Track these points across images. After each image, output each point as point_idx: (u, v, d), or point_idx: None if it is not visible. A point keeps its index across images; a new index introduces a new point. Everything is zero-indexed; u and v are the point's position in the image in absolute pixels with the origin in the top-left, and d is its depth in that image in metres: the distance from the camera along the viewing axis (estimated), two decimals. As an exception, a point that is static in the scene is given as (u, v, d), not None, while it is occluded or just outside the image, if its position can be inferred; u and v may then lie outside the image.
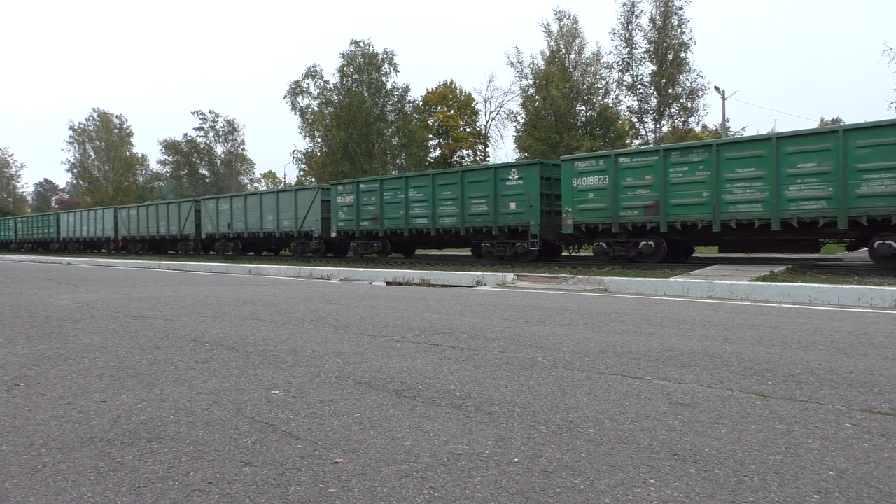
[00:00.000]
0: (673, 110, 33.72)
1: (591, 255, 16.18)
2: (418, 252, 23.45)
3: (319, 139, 44.57)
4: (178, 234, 28.81)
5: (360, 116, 41.69)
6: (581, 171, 14.58)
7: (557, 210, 15.69)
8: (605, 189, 14.16)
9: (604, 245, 14.47)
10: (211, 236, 26.77)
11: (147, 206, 31.67)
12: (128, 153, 66.44)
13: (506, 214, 16.25)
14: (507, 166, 16.72)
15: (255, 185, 68.45)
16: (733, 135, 35.48)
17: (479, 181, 16.95)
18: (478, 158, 50.53)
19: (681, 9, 32.77)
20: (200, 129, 60.38)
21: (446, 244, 20.12)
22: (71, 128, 64.58)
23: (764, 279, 8.87)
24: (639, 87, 34.14)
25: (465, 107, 51.03)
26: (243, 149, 62.84)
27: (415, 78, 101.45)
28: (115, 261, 22.67)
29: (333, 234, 20.97)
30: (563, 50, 36.07)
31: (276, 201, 23.53)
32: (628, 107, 35.54)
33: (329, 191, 21.70)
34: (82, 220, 36.43)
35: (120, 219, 33.26)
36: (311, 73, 44.50)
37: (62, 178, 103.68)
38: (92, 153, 64.61)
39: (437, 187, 17.82)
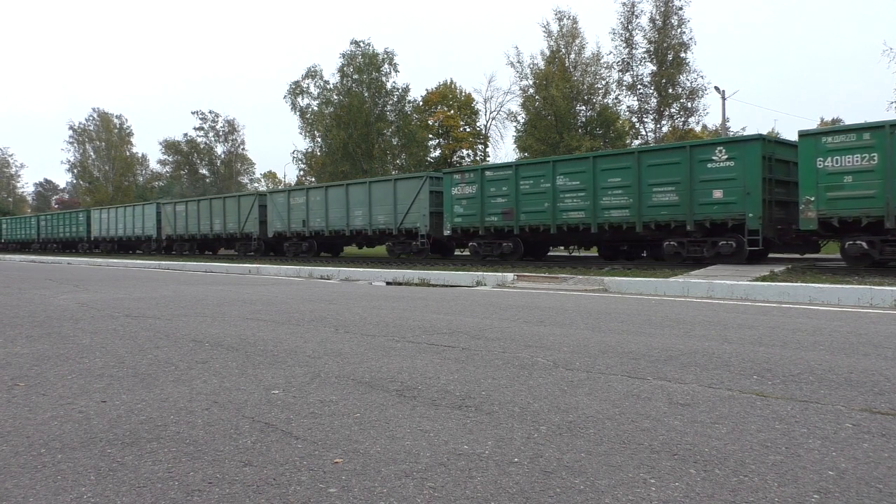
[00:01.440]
0: (673, 110, 33.71)
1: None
2: (549, 253, 19.50)
3: (319, 139, 44.55)
4: (238, 233, 25.14)
5: (360, 116, 41.67)
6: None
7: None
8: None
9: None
10: (281, 235, 23.20)
11: (198, 201, 28.01)
12: (128, 153, 66.40)
13: (708, 205, 12.88)
14: (709, 144, 13.43)
15: (256, 185, 68.37)
16: (733, 135, 35.47)
17: (664, 164, 13.47)
18: (478, 158, 50.52)
19: (681, 9, 32.77)
20: (200, 129, 60.39)
21: (608, 243, 16.18)
22: (71, 128, 64.59)
23: (764, 279, 8.87)
24: (639, 87, 34.14)
25: (465, 107, 51.01)
26: (243, 149, 62.84)
27: (415, 78, 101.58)
28: (115, 261, 22.67)
29: (447, 233, 17.50)
30: (563, 50, 36.06)
31: (369, 193, 19.85)
32: (628, 107, 35.56)
33: (439, 180, 18.35)
34: (118, 217, 32.93)
35: (164, 215, 29.63)
36: (311, 73, 44.46)
37: (62, 178, 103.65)
38: (92, 153, 64.59)
39: (599, 173, 14.33)
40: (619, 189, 14.08)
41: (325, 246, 23.38)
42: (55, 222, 39.23)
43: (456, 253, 21.26)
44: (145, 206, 31.41)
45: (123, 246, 33.85)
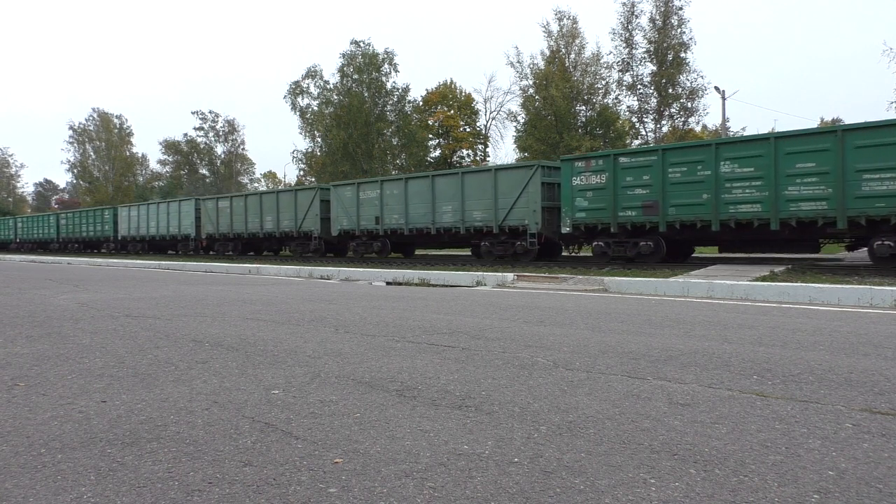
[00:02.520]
0: (673, 110, 33.76)
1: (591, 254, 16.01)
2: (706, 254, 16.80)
3: (319, 139, 44.60)
4: (294, 231, 22.64)
5: (360, 116, 41.72)
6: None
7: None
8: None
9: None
10: (348, 233, 20.82)
11: (245, 197, 25.58)
12: (128, 153, 66.50)
13: None
14: None
15: (255, 185, 68.42)
16: (733, 135, 35.49)
17: (884, 144, 10.89)
18: (478, 159, 50.56)
19: (681, 9, 32.84)
20: (200, 129, 60.47)
21: (786, 241, 12.97)
22: (71, 128, 64.68)
23: (764, 279, 8.87)
24: (639, 87, 34.16)
25: (465, 107, 51.04)
26: (243, 149, 62.93)
27: (415, 78, 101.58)
28: (115, 261, 22.66)
29: (566, 230, 14.93)
30: (563, 50, 36.11)
31: (461, 186, 17.35)
32: (628, 107, 35.62)
33: (553, 171, 16.13)
34: (150, 214, 30.31)
35: (205, 212, 27.07)
36: (311, 73, 44.53)
37: (62, 178, 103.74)
38: (92, 153, 64.66)
39: (782, 158, 11.81)
40: (813, 177, 11.56)
41: (399, 246, 20.94)
42: (76, 221, 36.38)
43: (568, 253, 18.89)
44: (182, 203, 28.92)
45: (155, 246, 31.34)
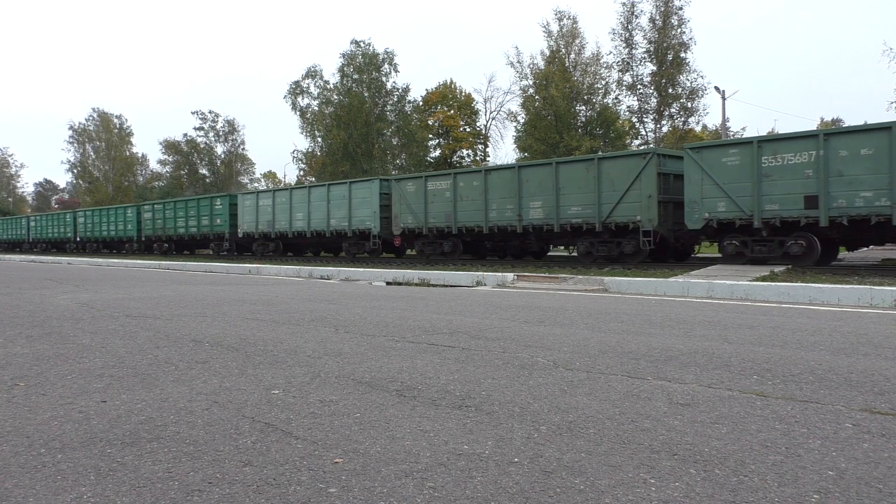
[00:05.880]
0: (673, 110, 33.72)
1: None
2: None
3: (320, 139, 44.58)
4: (347, 230, 20.48)
5: (360, 116, 41.70)
6: None
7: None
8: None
9: None
10: (411, 231, 18.72)
11: (290, 191, 22.94)
12: (128, 153, 66.42)
13: None
14: None
15: (255, 184, 68.35)
16: (733, 135, 35.49)
17: None
18: (477, 159, 50.56)
19: (681, 9, 32.78)
20: (200, 129, 60.37)
21: None
22: (71, 128, 64.62)
23: (764, 279, 8.87)
24: (639, 87, 34.15)
25: (465, 107, 51.02)
26: (243, 149, 62.79)
27: (415, 78, 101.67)
28: (115, 261, 22.65)
29: (693, 227, 12.82)
30: (563, 50, 36.08)
31: (555, 176, 15.06)
32: (628, 107, 35.58)
33: (670, 160, 14.07)
34: (176, 212, 27.95)
35: (242, 210, 24.54)
36: (312, 73, 44.50)
37: (62, 178, 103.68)
38: (92, 153, 64.61)
39: None
40: None
41: (473, 246, 18.51)
42: (96, 219, 34.25)
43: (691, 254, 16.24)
44: (215, 199, 26.52)
45: (184, 246, 29.50)
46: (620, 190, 13.98)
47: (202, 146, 60.82)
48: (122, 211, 32.77)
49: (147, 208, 30.83)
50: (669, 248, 14.98)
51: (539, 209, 15.56)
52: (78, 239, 35.85)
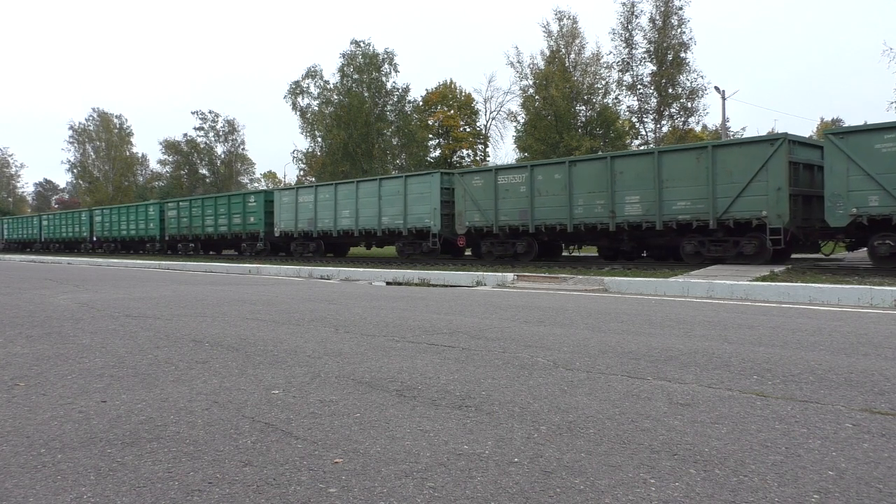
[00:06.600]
0: (673, 110, 33.71)
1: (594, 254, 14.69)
2: None
3: (320, 139, 44.58)
4: (402, 228, 18.65)
5: (360, 116, 41.68)
6: None
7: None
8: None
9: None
10: (478, 230, 16.91)
11: (336, 185, 21.14)
12: (128, 153, 66.40)
13: None
14: None
15: (255, 184, 68.33)
16: (733, 135, 35.48)
17: None
18: (478, 159, 50.57)
19: (681, 9, 32.75)
20: (200, 129, 60.34)
21: None
22: (71, 128, 64.60)
23: (764, 279, 8.87)
24: (639, 87, 34.14)
25: (465, 107, 51.01)
26: (243, 149, 62.75)
27: (415, 78, 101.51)
28: (115, 260, 22.65)
29: (837, 224, 11.07)
30: (563, 50, 36.06)
31: (656, 167, 13.30)
32: (628, 107, 35.55)
33: (800, 147, 12.35)
34: (204, 210, 26.14)
35: (279, 205, 22.76)
36: (312, 73, 44.48)
37: (62, 178, 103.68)
38: (92, 153, 64.59)
39: None
40: None
41: (549, 246, 17.06)
42: (114, 217, 32.44)
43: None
44: (248, 196, 24.64)
45: (212, 246, 27.91)
46: (741, 182, 12.15)
47: (202, 146, 60.80)
48: (144, 209, 30.64)
49: (172, 206, 28.83)
50: (790, 247, 13.04)
51: (637, 204, 13.69)
52: (94, 238, 33.92)
